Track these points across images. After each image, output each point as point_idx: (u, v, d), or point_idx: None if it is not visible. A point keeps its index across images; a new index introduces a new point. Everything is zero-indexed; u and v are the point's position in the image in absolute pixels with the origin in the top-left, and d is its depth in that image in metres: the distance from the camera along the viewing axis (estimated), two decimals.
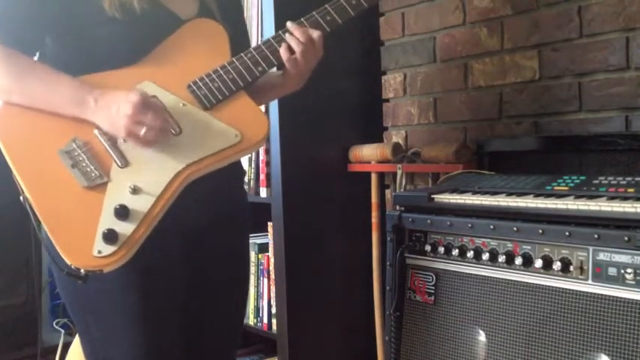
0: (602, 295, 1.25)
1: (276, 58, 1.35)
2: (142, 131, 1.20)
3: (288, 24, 1.36)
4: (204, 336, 1.43)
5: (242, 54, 1.34)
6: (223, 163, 1.28)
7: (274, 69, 1.41)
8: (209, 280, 1.41)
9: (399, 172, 2.10)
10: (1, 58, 1.25)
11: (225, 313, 1.47)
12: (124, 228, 1.18)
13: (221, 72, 1.32)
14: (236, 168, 1.47)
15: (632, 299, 1.20)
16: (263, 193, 2.26)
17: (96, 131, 1.24)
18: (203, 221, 1.36)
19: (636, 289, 1.19)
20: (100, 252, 1.16)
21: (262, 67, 1.34)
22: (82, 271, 1.18)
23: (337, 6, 1.39)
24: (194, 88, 1.30)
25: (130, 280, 1.25)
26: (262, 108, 1.65)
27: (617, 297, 1.22)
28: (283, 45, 1.35)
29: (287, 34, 1.36)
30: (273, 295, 2.24)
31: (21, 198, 1.23)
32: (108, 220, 1.19)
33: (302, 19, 1.38)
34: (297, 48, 1.35)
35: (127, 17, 1.27)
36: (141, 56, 1.31)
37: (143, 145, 1.23)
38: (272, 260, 2.21)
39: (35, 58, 1.34)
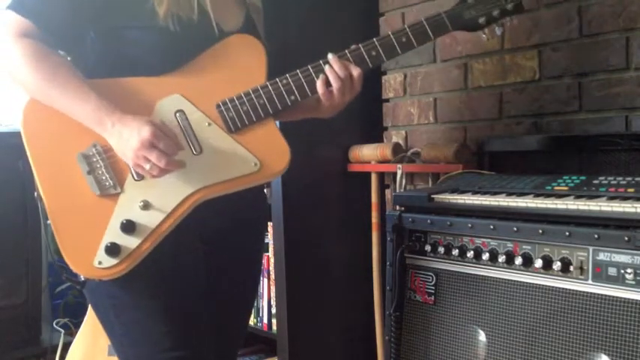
0: (602, 295, 1.25)
1: (312, 88, 1.31)
2: (147, 167, 1.19)
3: (329, 56, 1.31)
4: (220, 329, 1.43)
5: (277, 79, 1.30)
6: (238, 189, 1.27)
7: None
8: (227, 279, 1.43)
9: (399, 172, 2.10)
10: (33, 57, 1.23)
11: (237, 313, 1.50)
12: (129, 242, 1.19)
13: (252, 96, 1.28)
14: None
15: (632, 299, 1.20)
16: None
17: None
18: (222, 224, 1.37)
19: (636, 289, 1.19)
20: (100, 263, 1.18)
21: (295, 97, 1.30)
22: (82, 277, 1.21)
23: (385, 42, 1.33)
24: (222, 108, 1.28)
25: (150, 277, 1.26)
26: None
27: (617, 297, 1.22)
28: (321, 77, 1.30)
29: (326, 66, 1.31)
30: (273, 295, 2.25)
31: (35, 194, 1.25)
32: (113, 233, 1.20)
33: (346, 51, 1.32)
34: (334, 83, 1.30)
35: (177, 27, 1.25)
36: (178, 65, 1.29)
37: (150, 177, 1.22)
38: (272, 260, 2.21)
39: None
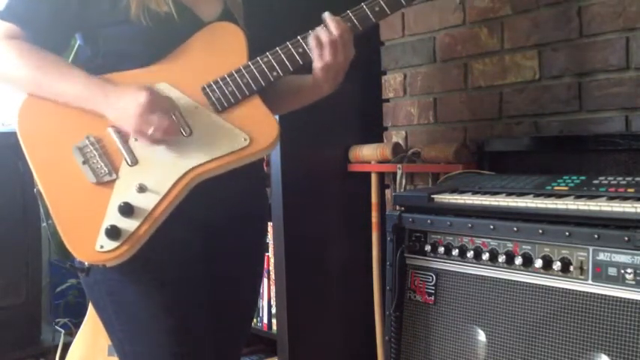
0: (602, 295, 1.25)
1: (293, 63, 1.34)
2: (150, 131, 1.22)
3: (326, 14, 1.33)
4: (220, 327, 1.43)
5: (259, 58, 1.34)
6: (232, 166, 1.29)
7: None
8: (228, 276, 1.43)
9: (399, 172, 2.10)
10: (22, 52, 1.27)
11: (238, 312, 1.49)
12: (128, 225, 1.22)
13: (236, 76, 1.32)
14: (257, 170, 1.48)
15: (632, 299, 1.20)
16: None
17: (110, 129, 1.28)
18: (224, 220, 1.38)
19: (636, 289, 1.19)
20: (102, 247, 1.21)
21: (277, 72, 1.33)
22: (86, 264, 1.23)
23: (359, 12, 1.34)
24: (208, 90, 1.31)
25: (151, 273, 1.28)
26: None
27: (617, 297, 1.22)
28: (311, 35, 1.31)
29: (311, 35, 1.32)
30: (273, 295, 2.25)
31: (35, 190, 1.28)
32: (112, 217, 1.22)
33: (348, 12, 1.34)
34: (325, 38, 1.30)
35: (152, 21, 1.29)
36: (160, 57, 1.33)
37: (152, 143, 1.25)
38: (272, 260, 2.22)
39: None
